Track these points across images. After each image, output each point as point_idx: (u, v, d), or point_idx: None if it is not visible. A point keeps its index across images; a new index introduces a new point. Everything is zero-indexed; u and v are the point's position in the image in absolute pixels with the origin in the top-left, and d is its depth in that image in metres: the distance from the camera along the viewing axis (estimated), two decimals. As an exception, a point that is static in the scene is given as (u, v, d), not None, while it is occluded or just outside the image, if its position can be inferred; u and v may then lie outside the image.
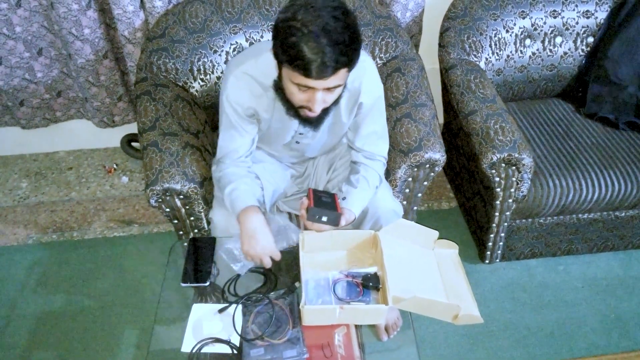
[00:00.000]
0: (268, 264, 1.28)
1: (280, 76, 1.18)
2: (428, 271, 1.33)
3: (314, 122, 1.25)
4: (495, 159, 1.60)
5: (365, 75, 1.31)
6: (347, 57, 1.07)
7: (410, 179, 1.59)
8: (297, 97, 1.16)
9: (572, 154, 1.80)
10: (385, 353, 1.35)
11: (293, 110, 1.22)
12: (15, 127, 2.29)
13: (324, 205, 1.28)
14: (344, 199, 1.38)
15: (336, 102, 1.23)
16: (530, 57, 1.97)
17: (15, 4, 1.89)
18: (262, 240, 1.27)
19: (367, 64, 1.33)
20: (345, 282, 1.28)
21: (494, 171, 1.65)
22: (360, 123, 1.40)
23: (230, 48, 1.75)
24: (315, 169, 1.60)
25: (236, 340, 1.18)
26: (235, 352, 1.17)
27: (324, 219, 1.27)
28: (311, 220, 1.28)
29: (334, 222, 1.28)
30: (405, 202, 1.65)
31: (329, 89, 1.13)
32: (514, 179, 1.65)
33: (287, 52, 1.06)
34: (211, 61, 1.74)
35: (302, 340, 1.17)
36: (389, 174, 1.56)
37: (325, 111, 1.23)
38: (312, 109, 1.16)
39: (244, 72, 1.29)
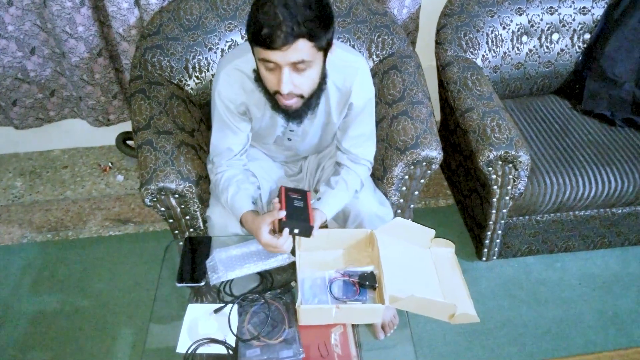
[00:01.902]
0: (285, 250, 1.27)
1: (257, 64, 1.18)
2: (424, 270, 1.33)
3: (291, 114, 1.22)
4: (492, 156, 1.60)
5: (357, 77, 1.31)
6: (305, 29, 1.05)
7: (407, 177, 1.58)
8: (268, 79, 1.15)
9: (569, 151, 1.79)
10: (382, 352, 1.34)
11: (273, 101, 1.20)
12: (9, 127, 2.27)
13: (296, 215, 1.24)
14: (319, 199, 1.37)
15: (318, 93, 1.21)
16: (527, 54, 1.96)
17: (7, 2, 1.87)
18: (260, 240, 1.26)
19: (360, 66, 1.32)
20: (341, 281, 1.27)
21: (490, 169, 1.64)
22: (349, 124, 1.39)
23: (225, 45, 1.74)
24: (307, 168, 1.60)
25: (232, 341, 1.17)
26: (231, 352, 1.16)
27: (296, 231, 1.24)
28: (283, 230, 1.25)
29: (306, 235, 1.25)
30: (402, 200, 1.65)
31: (295, 66, 1.10)
32: (510, 176, 1.65)
33: (250, 27, 1.08)
34: (206, 59, 1.73)
35: (299, 340, 1.17)
36: (386, 171, 1.56)
37: (306, 105, 1.21)
38: (280, 91, 1.13)
39: (236, 67, 1.28)
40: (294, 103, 1.18)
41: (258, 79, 1.21)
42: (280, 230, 1.23)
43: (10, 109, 2.16)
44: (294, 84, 1.13)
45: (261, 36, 1.05)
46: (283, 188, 1.29)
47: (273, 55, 1.07)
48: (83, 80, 2.06)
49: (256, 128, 1.40)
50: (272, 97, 1.20)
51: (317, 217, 1.31)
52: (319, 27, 1.08)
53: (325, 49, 1.14)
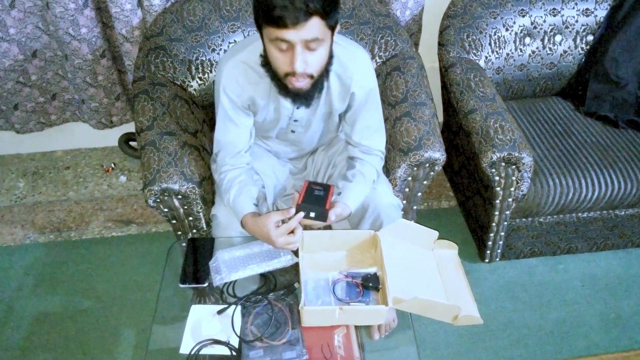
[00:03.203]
0: (295, 240, 1.26)
1: (265, 49, 1.17)
2: (428, 272, 1.33)
3: (302, 96, 1.21)
4: (495, 158, 1.59)
5: (356, 66, 1.31)
6: (319, 5, 1.05)
7: (410, 178, 1.58)
8: (280, 61, 1.14)
9: (572, 153, 1.79)
10: (385, 353, 1.34)
11: (281, 85, 1.19)
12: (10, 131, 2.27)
13: (313, 200, 1.26)
14: (339, 194, 1.37)
15: (325, 74, 1.21)
16: (529, 55, 1.96)
17: (9, 5, 1.87)
18: (269, 234, 1.25)
19: (361, 57, 1.33)
20: (344, 282, 1.27)
21: (493, 170, 1.64)
22: (356, 117, 1.39)
23: (228, 47, 1.74)
24: (314, 165, 1.59)
25: (235, 342, 1.17)
26: (234, 353, 1.16)
27: (312, 214, 1.25)
28: (297, 214, 1.25)
29: (322, 218, 1.26)
30: (405, 202, 1.64)
31: (308, 44, 1.10)
32: (513, 178, 1.65)
33: (260, 7, 1.07)
34: (209, 60, 1.73)
35: (302, 341, 1.17)
36: (388, 173, 1.56)
37: (314, 86, 1.20)
38: (294, 71, 1.12)
39: (240, 60, 1.29)
40: (304, 85, 1.17)
41: (265, 63, 1.20)
42: (296, 213, 1.23)
43: (12, 113, 2.15)
44: (307, 63, 1.13)
45: (274, 15, 1.04)
46: (307, 182, 1.30)
47: (287, 34, 1.07)
48: (86, 82, 2.06)
49: (260, 121, 1.40)
50: (280, 82, 1.19)
51: (339, 209, 1.31)
52: (330, 5, 1.08)
53: (333, 28, 1.14)
